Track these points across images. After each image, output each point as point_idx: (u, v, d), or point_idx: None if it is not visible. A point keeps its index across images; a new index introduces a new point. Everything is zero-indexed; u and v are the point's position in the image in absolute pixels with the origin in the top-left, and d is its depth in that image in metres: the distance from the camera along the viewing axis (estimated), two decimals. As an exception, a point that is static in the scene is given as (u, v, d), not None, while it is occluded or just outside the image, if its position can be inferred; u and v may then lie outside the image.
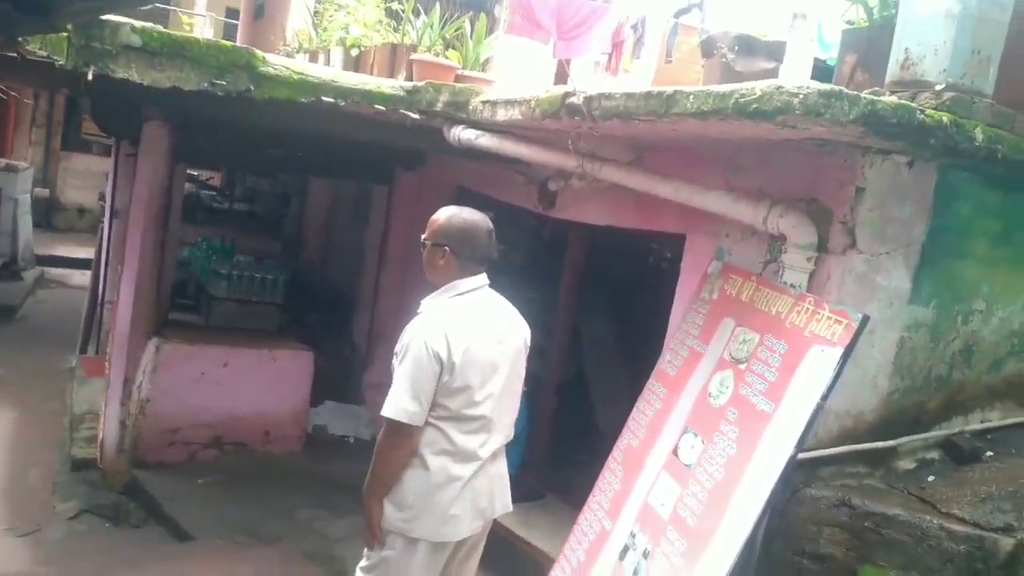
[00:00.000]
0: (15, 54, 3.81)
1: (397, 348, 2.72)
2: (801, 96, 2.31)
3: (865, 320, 2.56)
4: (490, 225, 2.85)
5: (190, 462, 5.38)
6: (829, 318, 2.64)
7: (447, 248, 2.76)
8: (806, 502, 2.79)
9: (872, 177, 2.84)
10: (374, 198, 7.13)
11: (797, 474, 2.74)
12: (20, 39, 3.63)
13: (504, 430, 2.86)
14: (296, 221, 9.23)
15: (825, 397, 2.55)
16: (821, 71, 4.04)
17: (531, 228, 6.10)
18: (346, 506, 4.88)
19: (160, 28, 3.76)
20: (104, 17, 3.37)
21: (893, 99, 2.56)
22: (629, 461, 3.24)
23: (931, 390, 3.21)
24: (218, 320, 5.83)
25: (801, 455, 2.62)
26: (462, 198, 6.00)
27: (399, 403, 2.62)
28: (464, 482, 2.72)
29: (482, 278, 2.85)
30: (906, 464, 3.09)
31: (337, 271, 8.09)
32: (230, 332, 5.77)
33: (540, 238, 6.30)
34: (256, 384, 5.61)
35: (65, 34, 3.43)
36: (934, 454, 3.16)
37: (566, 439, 5.28)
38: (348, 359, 6.86)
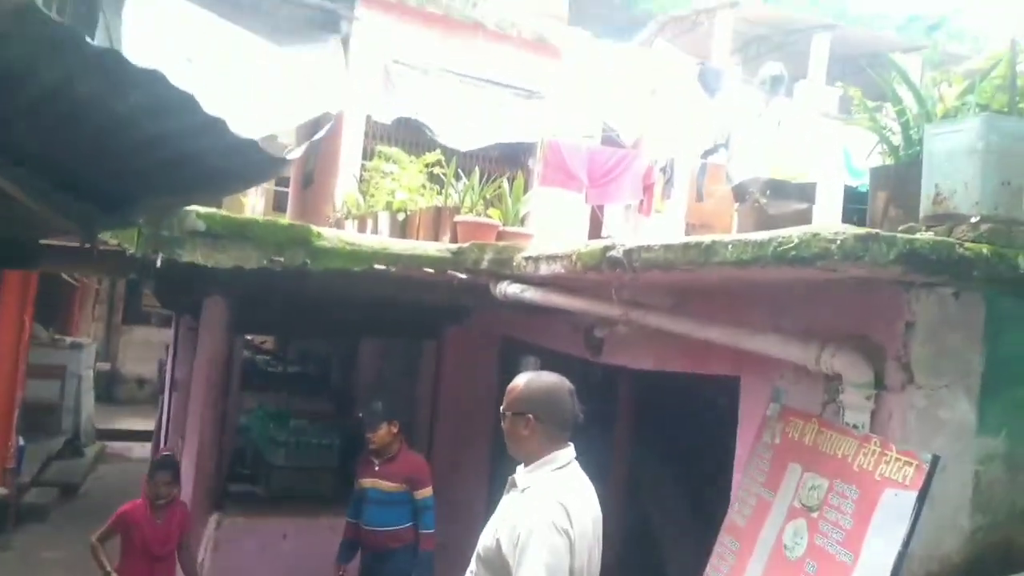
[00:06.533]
0: (90, 247, 4.11)
1: (507, 534, 2.47)
2: (838, 241, 2.36)
3: (936, 460, 2.49)
4: (571, 385, 2.67)
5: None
6: (898, 459, 2.57)
7: (530, 416, 2.57)
8: (901, 658, 2.61)
9: (920, 311, 2.82)
10: (423, 353, 7.26)
11: (887, 627, 2.58)
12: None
13: None
14: (347, 380, 9.37)
15: (906, 544, 2.44)
16: (853, 197, 4.12)
17: (579, 374, 6.08)
18: None
19: (223, 212, 4.00)
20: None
21: (930, 236, 2.59)
22: (707, 621, 3.09)
23: (1018, 523, 3.03)
24: (277, 489, 5.86)
25: (889, 607, 2.48)
26: (509, 348, 6.11)
27: None
28: None
29: (572, 451, 2.64)
30: (1005, 607, 2.89)
31: (390, 427, 8.06)
32: (288, 502, 5.76)
33: (589, 384, 6.28)
34: (316, 555, 5.50)
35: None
36: (1033, 593, 2.96)
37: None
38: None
